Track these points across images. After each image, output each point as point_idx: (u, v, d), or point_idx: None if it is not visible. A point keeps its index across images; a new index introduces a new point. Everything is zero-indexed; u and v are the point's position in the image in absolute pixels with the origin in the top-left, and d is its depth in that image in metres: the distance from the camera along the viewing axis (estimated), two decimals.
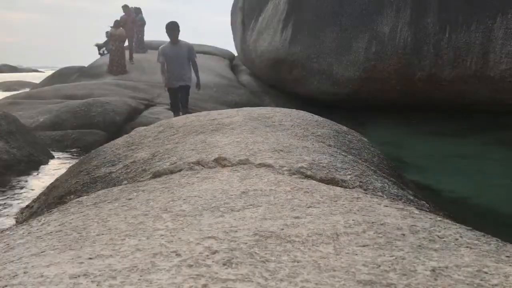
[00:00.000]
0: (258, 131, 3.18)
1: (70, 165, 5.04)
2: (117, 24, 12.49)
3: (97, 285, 1.04)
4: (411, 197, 2.44)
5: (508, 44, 7.55)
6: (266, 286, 1.04)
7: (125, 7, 13.54)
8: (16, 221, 3.31)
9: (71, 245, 1.38)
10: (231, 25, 15.03)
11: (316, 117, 3.90)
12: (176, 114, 6.67)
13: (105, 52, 15.41)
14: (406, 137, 7.84)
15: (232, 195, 1.84)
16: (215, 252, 1.22)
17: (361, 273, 1.10)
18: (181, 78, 6.74)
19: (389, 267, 1.13)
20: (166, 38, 6.75)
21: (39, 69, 65.73)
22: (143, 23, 14.55)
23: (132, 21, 13.30)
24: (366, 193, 2.04)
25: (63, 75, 15.32)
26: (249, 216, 1.55)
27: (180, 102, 6.83)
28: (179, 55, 6.75)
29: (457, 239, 1.37)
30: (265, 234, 1.36)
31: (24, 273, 1.15)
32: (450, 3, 8.14)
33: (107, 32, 15.02)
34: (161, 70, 6.94)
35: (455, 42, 8.08)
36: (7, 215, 3.58)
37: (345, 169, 2.41)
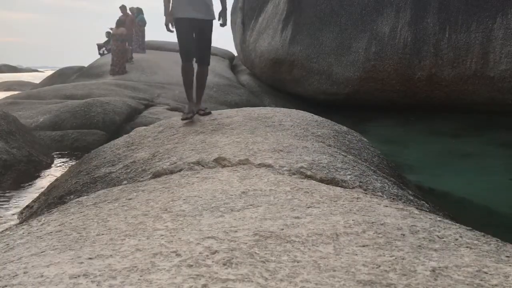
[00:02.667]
0: (258, 131, 3.18)
1: (70, 165, 5.04)
2: (119, 23, 12.52)
3: (97, 285, 1.04)
4: (411, 197, 2.44)
5: (508, 44, 7.55)
6: (266, 286, 1.04)
7: (122, 8, 13.57)
8: (16, 221, 3.31)
9: (71, 245, 1.38)
10: (231, 25, 15.02)
11: (316, 117, 3.90)
12: (188, 64, 3.85)
13: (105, 52, 15.41)
14: (406, 137, 7.84)
15: (232, 195, 1.84)
16: (215, 252, 1.22)
17: (361, 273, 1.10)
18: (200, 7, 3.74)
19: (389, 267, 1.13)
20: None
21: (39, 69, 65.76)
22: (143, 23, 14.56)
23: (130, 21, 13.30)
24: (366, 193, 2.04)
25: (63, 75, 15.33)
26: (249, 216, 1.55)
27: (197, 51, 3.87)
28: None
29: (457, 239, 1.37)
30: (265, 234, 1.36)
31: (24, 273, 1.15)
32: (450, 3, 8.14)
33: (107, 32, 15.03)
34: None
35: (455, 42, 8.08)
36: (7, 215, 3.58)
37: (345, 169, 2.41)
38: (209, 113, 3.91)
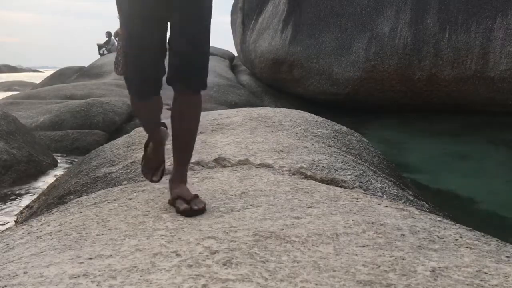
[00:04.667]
0: (258, 131, 3.17)
1: (70, 165, 5.04)
2: None
3: (97, 285, 1.04)
4: (411, 197, 2.44)
5: (508, 45, 7.55)
6: (266, 286, 1.04)
7: None
8: (16, 221, 3.31)
9: (71, 245, 1.38)
10: (231, 25, 15.02)
11: (316, 117, 3.89)
12: (146, 99, 1.91)
13: (105, 52, 15.41)
14: (406, 137, 7.84)
15: (232, 195, 1.84)
16: (215, 252, 1.22)
17: (361, 273, 1.10)
18: None
19: (389, 267, 1.13)
20: None
21: (39, 69, 65.66)
22: None
23: None
24: (366, 194, 2.03)
25: (63, 75, 15.31)
26: (249, 216, 1.55)
27: (175, 53, 1.71)
28: None
29: (457, 239, 1.37)
30: (265, 234, 1.36)
31: (24, 273, 1.15)
32: (450, 3, 8.14)
33: (107, 32, 15.03)
34: None
35: (455, 42, 8.08)
36: (7, 215, 3.58)
37: (345, 169, 2.41)
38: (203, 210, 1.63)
